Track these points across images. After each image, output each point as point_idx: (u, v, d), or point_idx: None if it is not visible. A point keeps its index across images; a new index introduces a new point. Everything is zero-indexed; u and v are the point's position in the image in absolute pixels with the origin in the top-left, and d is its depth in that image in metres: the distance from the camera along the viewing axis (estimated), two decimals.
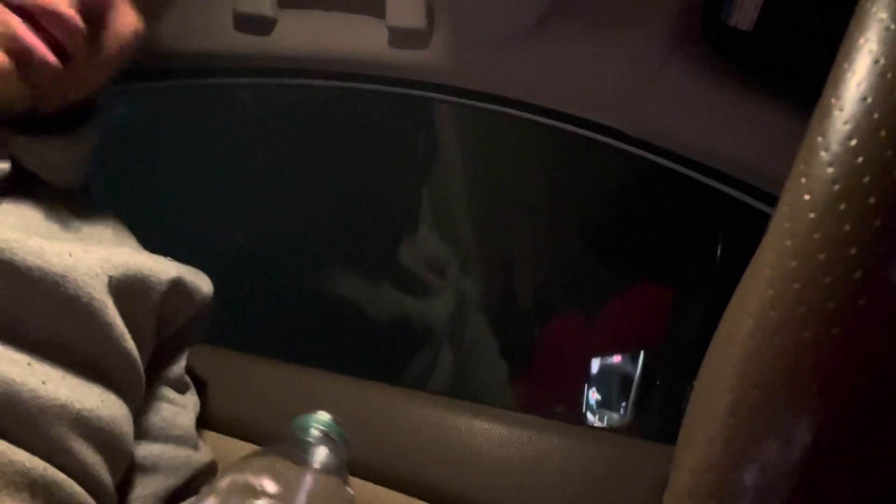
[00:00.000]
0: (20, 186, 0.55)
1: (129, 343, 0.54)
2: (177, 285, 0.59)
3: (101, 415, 0.51)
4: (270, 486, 0.45)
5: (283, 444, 0.50)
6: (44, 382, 0.48)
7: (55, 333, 0.50)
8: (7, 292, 0.48)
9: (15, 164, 0.54)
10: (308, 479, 0.47)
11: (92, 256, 0.51)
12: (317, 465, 0.49)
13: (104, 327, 0.52)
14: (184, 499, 0.60)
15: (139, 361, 0.55)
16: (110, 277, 0.52)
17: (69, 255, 0.50)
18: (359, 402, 0.73)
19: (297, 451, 0.49)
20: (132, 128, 1.21)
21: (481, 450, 0.70)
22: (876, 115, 0.22)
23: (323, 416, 0.51)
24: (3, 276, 0.47)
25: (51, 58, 0.51)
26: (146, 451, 0.59)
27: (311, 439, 0.50)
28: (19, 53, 0.50)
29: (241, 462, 0.47)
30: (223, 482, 0.46)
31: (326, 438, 0.50)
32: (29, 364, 0.48)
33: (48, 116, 0.58)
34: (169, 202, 1.34)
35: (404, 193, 1.39)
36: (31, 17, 0.50)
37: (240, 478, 0.45)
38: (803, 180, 0.23)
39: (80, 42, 0.53)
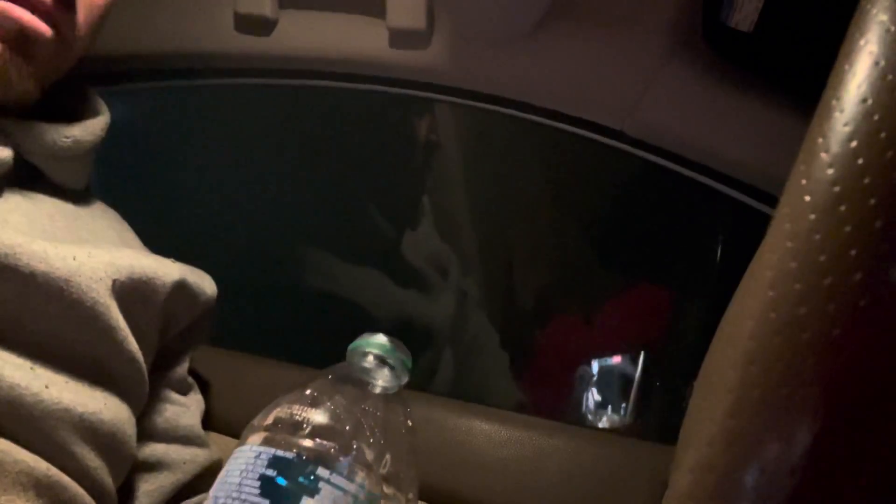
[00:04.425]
0: (24, 184, 0.55)
1: (133, 346, 0.54)
2: (181, 287, 0.59)
3: (104, 418, 0.51)
4: (319, 418, 0.42)
5: (338, 370, 0.47)
6: (47, 386, 0.48)
7: (59, 337, 0.50)
8: (11, 297, 0.48)
9: (19, 158, 0.54)
10: (362, 409, 0.44)
11: (96, 260, 0.51)
12: (373, 392, 0.46)
13: (108, 331, 0.52)
14: (192, 496, 0.60)
15: (143, 364, 0.55)
16: (114, 281, 0.52)
17: (73, 259, 0.50)
18: None
19: (352, 378, 0.47)
20: (132, 128, 1.21)
21: (481, 450, 0.70)
22: (876, 117, 0.22)
23: (380, 340, 0.48)
24: (7, 281, 0.47)
25: (43, 27, 0.51)
26: (151, 450, 0.59)
27: (367, 365, 0.47)
28: (9, 31, 0.50)
29: (290, 394, 0.45)
30: (268, 419, 0.43)
31: (384, 363, 0.47)
32: (32, 368, 0.48)
33: (53, 107, 0.57)
34: (169, 202, 1.34)
35: (405, 194, 1.39)
36: None
37: (285, 413, 0.43)
38: (804, 182, 0.23)
39: (61, 7, 0.52)
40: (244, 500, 0.39)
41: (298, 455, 0.40)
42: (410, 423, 0.47)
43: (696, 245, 1.32)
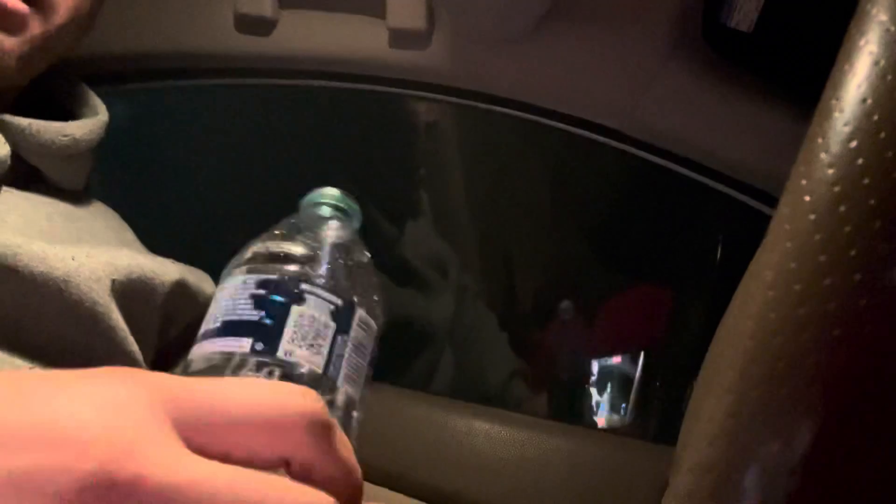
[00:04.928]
0: (23, 184, 0.54)
1: (133, 346, 0.54)
2: (180, 287, 0.59)
3: None
4: (293, 247, 0.47)
5: (294, 221, 0.52)
6: None
7: (58, 338, 0.50)
8: (10, 298, 0.48)
9: (17, 158, 0.54)
10: (327, 241, 0.49)
11: (95, 260, 0.51)
12: (332, 237, 0.50)
13: (107, 331, 0.52)
14: None
15: (143, 365, 0.55)
16: (113, 281, 0.52)
17: (72, 260, 0.50)
18: None
19: (310, 227, 0.51)
20: (132, 128, 1.21)
21: (481, 450, 0.70)
22: (876, 117, 0.22)
23: (332, 191, 0.52)
24: (6, 283, 0.47)
25: (19, 5, 0.49)
26: None
27: (322, 213, 0.52)
28: None
29: (260, 236, 0.49)
30: (246, 254, 0.47)
31: (337, 211, 0.52)
32: (31, 368, 0.48)
33: (51, 107, 0.57)
34: (169, 202, 1.34)
35: (405, 194, 1.39)
36: None
37: (261, 248, 0.47)
38: (803, 182, 0.23)
39: None
40: (240, 314, 0.43)
41: (282, 275, 0.45)
42: (369, 255, 0.51)
43: (696, 245, 1.32)
